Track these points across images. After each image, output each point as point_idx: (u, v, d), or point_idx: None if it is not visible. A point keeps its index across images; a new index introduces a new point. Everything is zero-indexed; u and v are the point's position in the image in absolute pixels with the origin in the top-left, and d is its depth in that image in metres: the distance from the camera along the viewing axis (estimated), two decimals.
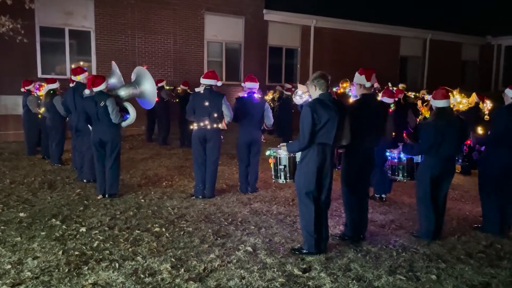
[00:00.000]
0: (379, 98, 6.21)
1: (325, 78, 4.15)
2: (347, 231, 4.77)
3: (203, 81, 6.19)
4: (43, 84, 9.10)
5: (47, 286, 3.55)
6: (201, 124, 6.13)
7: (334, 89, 8.25)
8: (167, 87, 11.56)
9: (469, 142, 5.58)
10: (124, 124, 6.26)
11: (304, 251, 4.25)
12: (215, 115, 6.12)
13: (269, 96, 13.43)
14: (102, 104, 5.95)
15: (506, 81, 18.45)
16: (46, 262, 3.98)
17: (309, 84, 4.23)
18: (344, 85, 9.16)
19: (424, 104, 8.98)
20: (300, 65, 16.26)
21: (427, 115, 8.33)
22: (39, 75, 11.71)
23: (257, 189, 6.75)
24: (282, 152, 4.68)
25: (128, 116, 6.30)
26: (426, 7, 18.36)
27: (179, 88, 11.22)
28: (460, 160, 5.92)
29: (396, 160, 5.52)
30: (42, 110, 8.71)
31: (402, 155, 5.42)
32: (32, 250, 4.25)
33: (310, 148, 4.09)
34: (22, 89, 9.42)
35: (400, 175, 5.52)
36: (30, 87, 9.29)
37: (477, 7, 19.07)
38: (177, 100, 11.12)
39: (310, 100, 4.73)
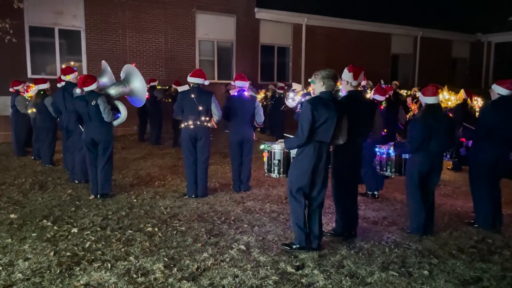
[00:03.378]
0: (371, 95, 6.23)
1: (335, 80, 4.13)
2: (337, 228, 4.79)
3: (190, 79, 6.16)
4: (31, 85, 9.03)
5: (38, 287, 3.52)
6: (191, 123, 6.11)
7: None
8: (159, 87, 11.51)
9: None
10: (115, 123, 6.23)
11: (295, 246, 4.27)
12: (205, 113, 6.10)
13: (261, 95, 13.44)
14: (93, 103, 5.92)
15: (496, 78, 18.31)
16: (37, 263, 3.95)
17: (318, 79, 4.16)
18: (337, 84, 9.20)
19: (414, 101, 9.05)
20: (292, 63, 16.28)
21: (416, 112, 8.40)
22: (29, 75, 11.59)
23: (250, 187, 6.74)
24: (277, 147, 4.67)
25: (119, 115, 6.28)
26: (417, 5, 18.48)
27: (173, 89, 11.17)
28: (448, 156, 5.97)
29: (384, 156, 5.57)
30: (30, 110, 8.62)
31: (391, 151, 5.46)
32: (23, 252, 4.21)
33: (307, 145, 4.10)
34: (11, 89, 9.33)
35: (388, 170, 5.58)
36: (19, 87, 9.21)
37: (467, 5, 19.23)
38: (169, 100, 11.07)
39: (303, 100, 4.70)
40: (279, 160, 4.71)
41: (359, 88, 4.76)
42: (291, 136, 4.29)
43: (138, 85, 6.33)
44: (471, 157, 5.36)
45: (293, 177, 4.24)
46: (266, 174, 4.93)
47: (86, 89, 6.00)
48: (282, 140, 4.53)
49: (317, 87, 4.20)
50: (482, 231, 4.99)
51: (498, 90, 5.09)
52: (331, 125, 4.06)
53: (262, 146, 4.85)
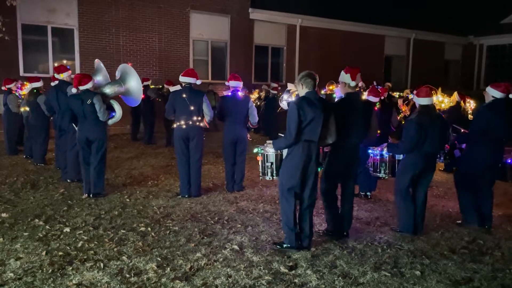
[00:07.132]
0: (365, 96, 6.26)
1: (312, 77, 4.22)
2: (329, 227, 4.81)
3: (182, 79, 6.15)
4: (25, 83, 8.96)
5: (30, 287, 3.50)
6: (183, 122, 6.09)
7: (322, 92, 8.34)
8: (152, 86, 11.47)
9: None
10: (110, 122, 6.21)
11: (285, 245, 4.32)
12: (197, 113, 6.09)
13: (254, 95, 13.45)
14: (89, 102, 5.88)
15: (488, 80, 18.76)
16: (29, 263, 3.92)
17: (297, 83, 4.31)
18: (331, 87, 9.26)
19: (405, 102, 9.11)
20: (286, 64, 16.32)
21: (407, 114, 8.47)
22: (21, 73, 11.52)
23: (243, 187, 6.75)
24: (270, 150, 4.71)
25: (114, 114, 6.25)
26: (410, 7, 18.60)
27: (165, 89, 11.13)
28: (442, 158, 6.02)
29: (378, 157, 5.60)
30: (23, 109, 8.56)
31: (384, 152, 5.50)
32: (15, 251, 4.18)
33: (295, 145, 4.13)
34: (3, 88, 9.26)
35: (382, 172, 5.61)
36: (12, 85, 9.13)
37: (459, 8, 19.39)
38: (159, 99, 11.03)
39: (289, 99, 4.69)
40: (272, 163, 4.75)
41: (356, 89, 4.78)
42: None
43: (134, 85, 6.30)
44: (464, 159, 5.40)
45: (284, 177, 4.28)
46: (260, 177, 4.96)
47: (82, 87, 5.97)
48: (271, 141, 4.58)
49: (300, 90, 4.30)
50: (473, 232, 5.04)
51: (492, 93, 5.13)
52: (318, 124, 4.11)
53: (255, 150, 4.88)
